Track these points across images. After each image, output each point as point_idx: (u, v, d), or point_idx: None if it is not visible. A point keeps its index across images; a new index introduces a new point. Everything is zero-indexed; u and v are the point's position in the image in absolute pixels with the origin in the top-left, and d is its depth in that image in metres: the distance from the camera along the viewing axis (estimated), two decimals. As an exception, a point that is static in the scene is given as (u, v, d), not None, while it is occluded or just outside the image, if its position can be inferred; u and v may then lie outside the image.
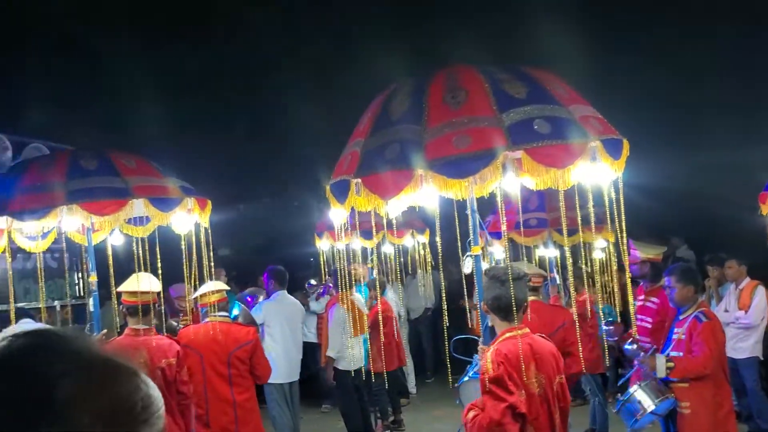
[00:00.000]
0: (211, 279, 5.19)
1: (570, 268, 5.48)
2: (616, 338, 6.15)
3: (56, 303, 7.97)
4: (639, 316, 5.79)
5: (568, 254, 5.15)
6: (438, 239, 4.06)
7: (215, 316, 5.31)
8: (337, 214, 3.75)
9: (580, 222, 4.45)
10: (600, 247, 6.31)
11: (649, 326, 5.66)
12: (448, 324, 4.18)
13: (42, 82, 10.98)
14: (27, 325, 5.58)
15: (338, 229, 4.34)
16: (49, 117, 9.97)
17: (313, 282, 9.66)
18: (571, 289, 4.89)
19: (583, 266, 5.40)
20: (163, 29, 12.57)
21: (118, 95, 11.59)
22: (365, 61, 10.82)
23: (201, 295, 5.30)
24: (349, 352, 6.98)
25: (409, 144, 3.26)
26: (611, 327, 6.14)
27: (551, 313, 5.14)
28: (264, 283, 7.47)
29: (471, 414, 3.27)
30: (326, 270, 8.40)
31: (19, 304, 6.40)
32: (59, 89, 11.37)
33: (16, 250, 5.38)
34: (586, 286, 6.47)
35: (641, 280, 6.07)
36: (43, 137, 8.16)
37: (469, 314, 4.68)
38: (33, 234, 5.10)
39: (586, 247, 5.64)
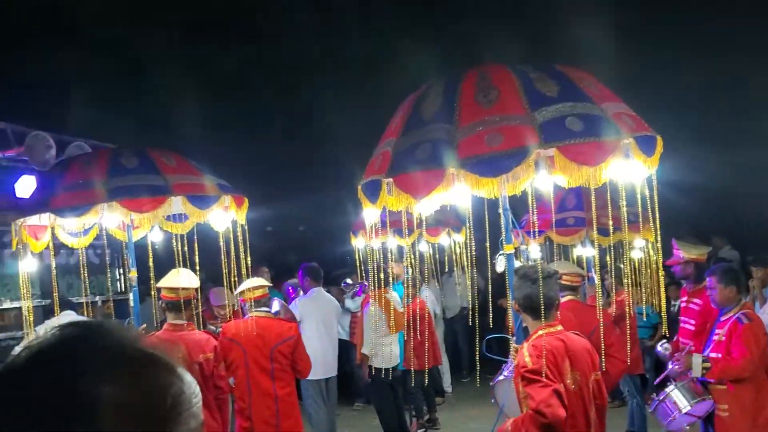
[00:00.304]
0: (248, 276, 5.26)
1: (610, 267, 5.40)
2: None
3: (98, 298, 8.15)
4: (682, 318, 5.69)
5: (604, 254, 5.08)
6: (464, 237, 4.04)
7: (258, 311, 5.40)
8: (369, 213, 3.77)
9: (606, 222, 4.39)
10: (639, 246, 6.20)
11: (692, 328, 5.53)
12: (492, 324, 4.17)
13: (84, 81, 11.25)
14: (68, 317, 5.73)
15: (370, 228, 4.35)
16: (91, 116, 10.20)
17: (349, 281, 9.70)
18: (611, 289, 4.83)
19: (621, 266, 5.31)
20: (203, 29, 12.77)
21: (159, 94, 11.79)
22: (399, 61, 10.83)
23: (242, 291, 5.38)
24: (384, 350, 7.00)
25: (441, 143, 3.26)
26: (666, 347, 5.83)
27: (589, 313, 5.09)
28: (299, 281, 7.53)
29: (510, 422, 3.25)
30: (362, 268, 8.43)
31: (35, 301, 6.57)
32: (101, 89, 11.63)
33: (59, 246, 5.52)
34: (624, 286, 6.38)
35: (684, 281, 5.94)
36: (85, 136, 8.34)
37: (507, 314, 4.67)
38: (75, 230, 5.22)
39: (624, 247, 5.55)
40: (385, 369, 7.12)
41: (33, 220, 4.84)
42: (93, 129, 9.03)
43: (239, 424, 5.24)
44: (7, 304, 7.23)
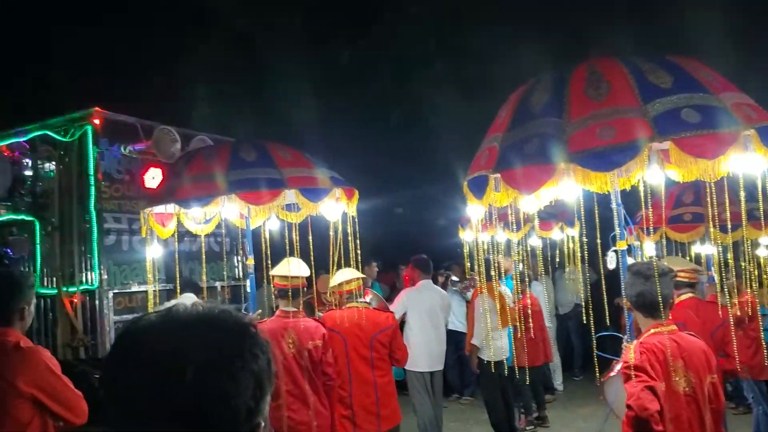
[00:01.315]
0: (358, 267, 5.37)
1: (732, 266, 5.10)
2: None
3: (217, 284, 8.56)
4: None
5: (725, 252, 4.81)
6: (569, 232, 3.95)
7: (356, 302, 5.56)
8: (475, 210, 3.76)
9: (725, 218, 4.15)
10: (765, 244, 5.83)
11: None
12: (608, 321, 4.08)
13: (206, 77, 11.82)
14: (189, 298, 6.07)
15: (476, 224, 4.34)
16: (213, 110, 10.71)
17: (455, 278, 9.69)
18: (733, 289, 4.57)
19: (744, 264, 5.02)
20: (319, 24, 13.07)
21: (276, 89, 12.19)
22: (509, 54, 10.67)
23: (339, 284, 5.54)
24: (494, 343, 6.97)
25: (550, 137, 3.20)
26: None
27: (710, 309, 4.87)
28: (408, 272, 7.61)
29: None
30: (470, 262, 8.41)
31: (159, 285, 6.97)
32: (222, 84, 12.18)
33: (183, 234, 5.85)
34: (748, 287, 6.02)
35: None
36: (207, 130, 8.78)
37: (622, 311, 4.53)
38: (198, 219, 5.53)
39: (745, 245, 5.23)
40: (493, 362, 7.10)
41: (160, 208, 5.16)
42: (214, 123, 9.48)
43: (339, 413, 5.37)
44: (135, 287, 7.73)
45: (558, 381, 9.88)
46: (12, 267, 7.79)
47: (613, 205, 3.51)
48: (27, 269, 7.64)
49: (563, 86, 3.35)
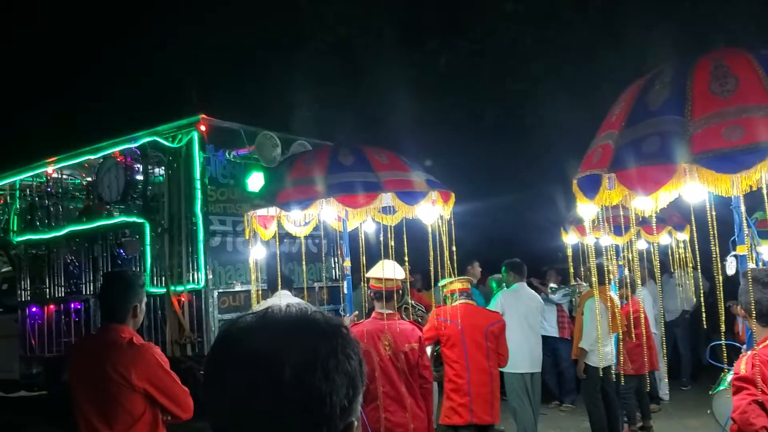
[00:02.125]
0: (454, 271, 5.33)
1: None
2: None
3: (315, 284, 8.72)
4: None
5: None
6: (688, 236, 3.75)
7: (467, 300, 5.75)
8: (585, 209, 3.64)
9: None
10: None
11: None
12: (724, 329, 3.85)
13: (306, 83, 12.07)
14: (286, 297, 6.22)
15: (589, 225, 4.20)
16: (312, 115, 10.92)
17: (554, 286, 9.46)
18: None
19: None
20: (415, 26, 13.09)
21: (373, 92, 12.29)
22: (616, 48, 10.29)
23: (450, 283, 5.63)
24: (601, 348, 6.80)
25: (671, 136, 3.04)
26: None
27: None
28: (503, 276, 7.52)
29: None
30: (572, 266, 8.20)
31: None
32: (320, 90, 12.40)
33: (283, 236, 5.99)
34: None
35: None
36: (306, 134, 8.97)
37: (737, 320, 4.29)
38: (298, 221, 5.65)
39: None
40: (600, 368, 6.90)
41: (262, 211, 5.31)
42: (313, 128, 9.68)
43: (456, 402, 5.49)
44: (238, 287, 8.00)
45: (664, 390, 9.45)
46: (125, 267, 8.24)
47: (741, 208, 3.30)
48: (138, 269, 8.04)
49: (685, 81, 3.17)
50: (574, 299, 8.90)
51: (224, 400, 1.04)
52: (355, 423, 1.10)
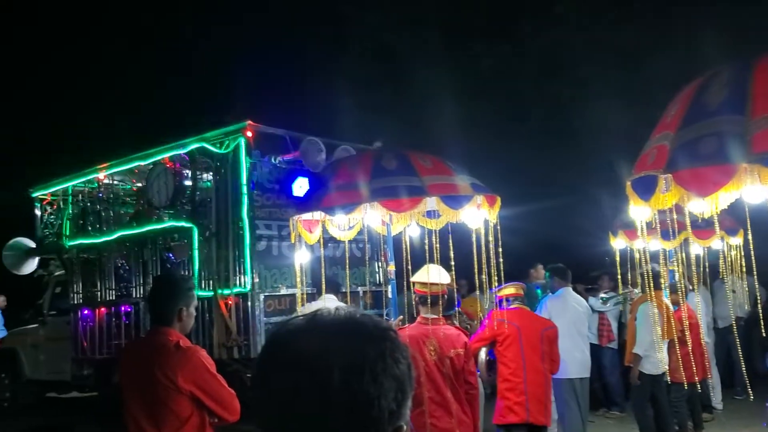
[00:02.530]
0: (499, 274, 5.28)
1: None
2: None
3: (359, 288, 8.74)
4: None
5: None
6: (742, 240, 3.65)
7: (521, 305, 5.80)
8: (639, 211, 3.57)
9: None
10: None
11: None
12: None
13: (349, 89, 12.13)
14: (331, 301, 6.25)
15: (641, 228, 4.10)
16: (355, 121, 10.96)
17: (604, 295, 9.29)
18: None
19: None
20: (459, 30, 13.05)
21: (417, 96, 12.29)
22: (665, 51, 10.09)
23: (504, 288, 5.66)
24: (654, 355, 6.70)
25: (730, 136, 2.97)
26: None
27: None
28: (548, 281, 7.45)
29: None
30: (620, 271, 8.06)
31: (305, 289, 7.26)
32: (364, 95, 12.45)
33: (327, 240, 6.03)
34: None
35: None
36: (350, 139, 9.01)
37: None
38: (342, 226, 5.67)
39: None
40: (652, 375, 6.77)
41: (307, 215, 5.34)
42: (357, 133, 9.71)
43: (513, 401, 5.49)
44: (283, 291, 8.07)
45: (717, 399, 9.19)
46: (173, 270, 8.39)
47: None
48: (186, 273, 8.17)
49: (745, 81, 3.09)
50: (625, 307, 8.73)
51: (271, 402, 1.05)
52: (405, 428, 1.09)
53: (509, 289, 5.76)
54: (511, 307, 5.72)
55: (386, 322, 1.17)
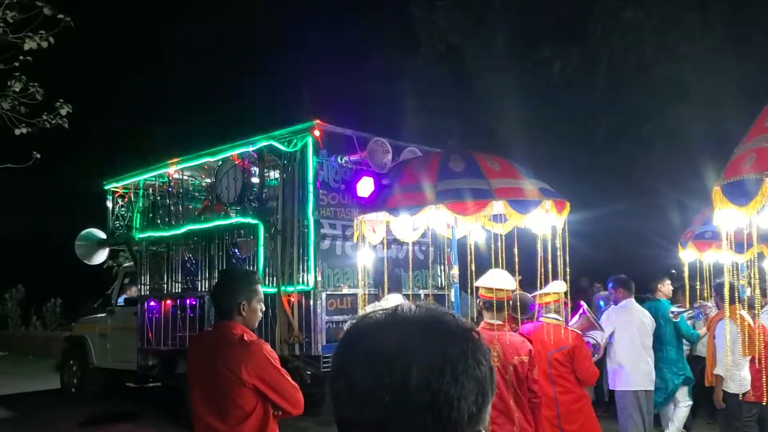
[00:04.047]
0: (566, 281, 5.19)
1: None
2: None
3: (421, 291, 8.71)
4: None
5: None
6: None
7: (547, 317, 5.45)
8: (728, 219, 3.42)
9: None
10: None
11: None
12: None
13: (415, 92, 12.13)
14: (395, 299, 6.23)
15: (727, 235, 3.92)
16: (422, 122, 10.95)
17: (674, 310, 8.98)
18: None
19: None
20: (529, 35, 12.90)
21: (485, 100, 12.19)
22: (744, 54, 9.73)
23: (540, 294, 5.42)
24: (737, 373, 6.43)
25: None
26: None
27: None
28: (610, 293, 7.27)
29: None
30: (689, 284, 7.80)
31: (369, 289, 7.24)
32: (432, 98, 12.43)
33: (391, 241, 6.03)
34: None
35: None
36: (416, 141, 9.00)
37: None
38: (406, 227, 5.66)
39: None
40: (739, 394, 6.53)
41: (371, 216, 5.35)
42: (423, 135, 9.70)
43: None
44: (345, 290, 8.11)
45: (789, 422, 8.78)
46: (238, 266, 8.54)
47: None
48: (251, 269, 8.29)
49: None
50: (696, 322, 8.41)
51: (348, 395, 1.04)
52: None
53: (551, 296, 5.47)
54: (538, 320, 5.46)
55: (470, 322, 1.15)
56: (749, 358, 6.44)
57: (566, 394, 5.36)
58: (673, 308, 8.85)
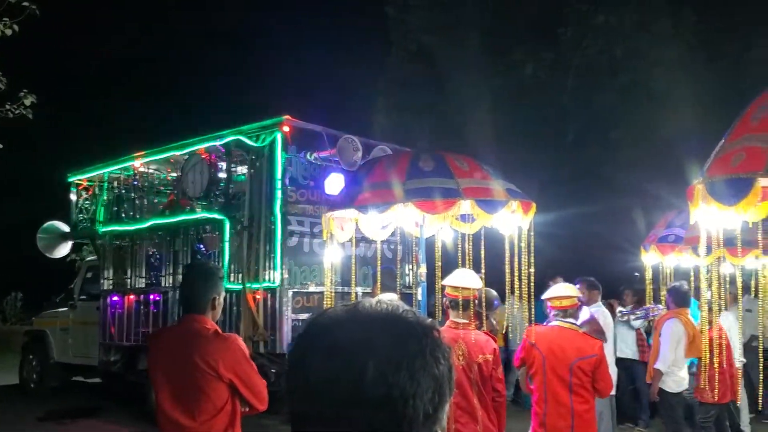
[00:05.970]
0: (532, 283, 5.19)
1: None
2: None
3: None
4: None
5: None
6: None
7: (563, 321, 5.20)
8: (708, 218, 3.42)
9: None
10: None
11: None
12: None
13: (387, 91, 12.13)
14: (389, 298, 6.23)
15: (707, 238, 3.81)
16: (393, 121, 10.96)
17: (623, 310, 9.17)
18: None
19: None
20: (497, 39, 13.00)
21: (455, 101, 12.25)
22: (712, 59, 9.92)
23: (550, 298, 5.27)
24: (676, 373, 6.57)
25: None
26: None
27: None
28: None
29: None
30: (651, 287, 7.95)
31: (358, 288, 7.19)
32: (402, 97, 12.44)
33: (359, 239, 6.02)
34: None
35: None
36: (387, 140, 9.01)
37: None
38: (374, 225, 5.65)
39: None
40: (673, 393, 6.66)
41: (340, 213, 5.33)
42: (394, 134, 9.71)
43: (534, 428, 5.24)
44: (312, 288, 8.09)
45: (745, 423, 9.00)
46: (203, 261, 8.45)
47: None
48: (216, 264, 8.21)
49: None
50: (650, 322, 8.60)
51: (305, 388, 1.03)
52: None
53: (568, 300, 5.20)
54: (551, 323, 5.21)
55: (431, 319, 1.13)
56: (689, 359, 6.61)
57: (582, 405, 5.14)
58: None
